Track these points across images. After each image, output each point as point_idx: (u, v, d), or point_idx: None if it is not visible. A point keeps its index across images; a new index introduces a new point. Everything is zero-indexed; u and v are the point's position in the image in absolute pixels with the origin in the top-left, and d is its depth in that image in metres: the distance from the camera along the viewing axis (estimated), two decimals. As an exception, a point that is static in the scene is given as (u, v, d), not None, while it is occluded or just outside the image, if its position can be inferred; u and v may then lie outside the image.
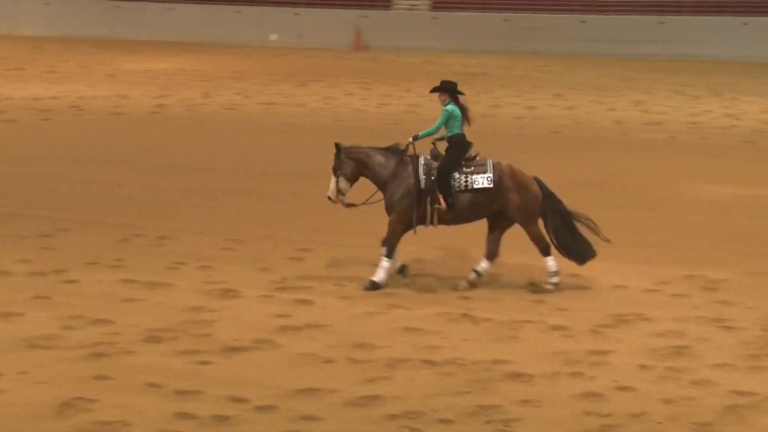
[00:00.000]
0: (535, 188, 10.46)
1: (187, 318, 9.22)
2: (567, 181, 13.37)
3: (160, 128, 19.55)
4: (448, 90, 10.51)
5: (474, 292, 10.15)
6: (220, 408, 7.41)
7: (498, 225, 10.45)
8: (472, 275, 10.42)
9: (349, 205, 10.54)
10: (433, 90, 10.64)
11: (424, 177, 10.30)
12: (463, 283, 10.39)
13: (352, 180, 10.50)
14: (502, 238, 10.45)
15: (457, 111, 10.44)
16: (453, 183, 10.31)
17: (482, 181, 10.29)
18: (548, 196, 10.46)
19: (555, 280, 10.39)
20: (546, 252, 10.40)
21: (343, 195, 10.50)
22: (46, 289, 9.87)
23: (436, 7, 37.80)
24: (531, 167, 10.81)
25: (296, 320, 9.23)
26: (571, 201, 10.61)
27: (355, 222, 12.26)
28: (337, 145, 10.58)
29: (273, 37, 37.29)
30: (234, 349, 8.46)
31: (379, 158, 10.47)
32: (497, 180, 10.33)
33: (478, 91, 23.30)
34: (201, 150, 17.43)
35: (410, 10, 38.07)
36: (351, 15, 37.48)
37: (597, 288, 10.38)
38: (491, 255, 10.43)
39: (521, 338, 9.01)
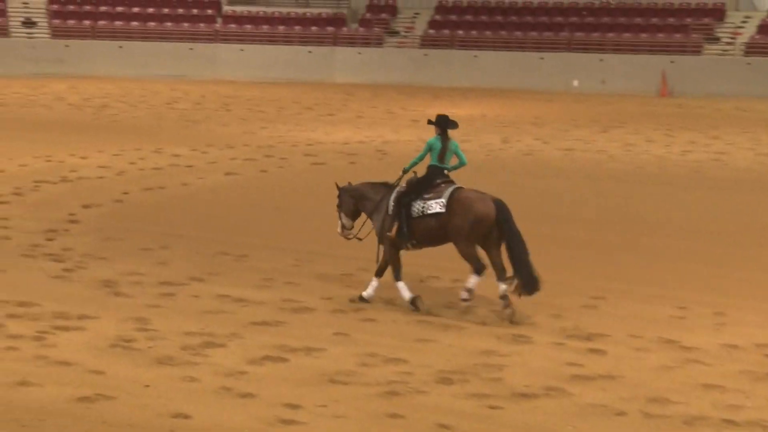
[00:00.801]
0: (479, 210, 10.59)
1: (478, 361, 9.20)
2: None
3: (457, 172, 19.67)
4: (437, 124, 11.01)
5: (779, 350, 9.81)
6: (509, 453, 7.40)
7: (488, 246, 10.65)
8: (503, 304, 10.51)
9: (359, 239, 11.30)
10: (429, 122, 11.24)
11: (392, 204, 10.93)
12: (466, 301, 10.56)
13: (353, 216, 11.34)
14: (500, 254, 10.60)
15: (437, 144, 10.96)
16: (412, 210, 10.85)
17: (436, 206, 10.76)
18: (505, 221, 10.55)
19: (465, 296, 10.61)
20: (478, 272, 10.57)
21: (349, 230, 11.32)
22: (346, 326, 10.11)
23: (750, 51, 36.44)
24: None
25: (588, 369, 9.03)
26: None
27: (650, 271, 12.01)
28: (336, 185, 11.47)
29: (575, 83, 37.41)
30: (524, 395, 8.38)
31: (367, 193, 11.25)
32: (448, 205, 10.71)
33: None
34: (497, 195, 17.11)
35: (722, 55, 36.94)
36: (658, 60, 37.11)
37: None
38: (500, 276, 10.55)
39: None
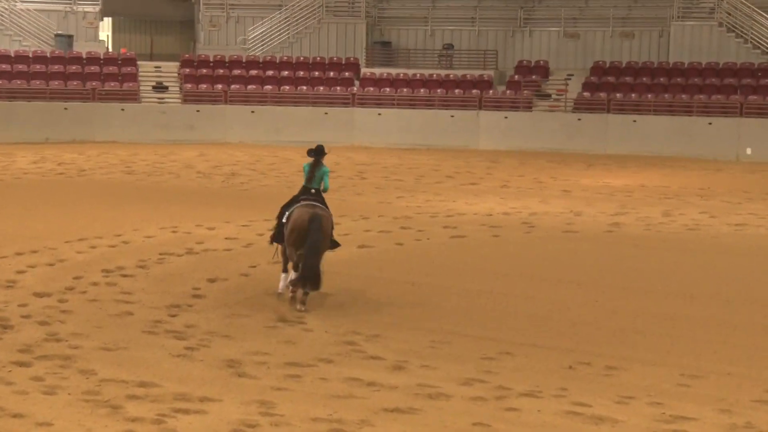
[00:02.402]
0: (295, 220, 14.05)
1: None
2: None
3: (614, 247, 19.51)
4: (309, 153, 14.66)
5: None
6: None
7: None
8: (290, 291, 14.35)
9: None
10: (308, 152, 14.72)
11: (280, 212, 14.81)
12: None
13: None
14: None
15: (306, 168, 14.71)
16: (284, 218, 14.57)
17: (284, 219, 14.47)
18: (312, 230, 13.82)
19: (281, 289, 14.64)
20: (284, 270, 14.67)
21: None
22: (486, 416, 9.97)
23: None
24: None
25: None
26: None
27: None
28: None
29: (748, 150, 36.94)
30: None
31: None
32: (288, 216, 14.36)
33: None
34: (657, 272, 17.16)
35: None
36: None
37: None
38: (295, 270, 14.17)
39: None
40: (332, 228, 14.45)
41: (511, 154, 37.56)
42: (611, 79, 42.06)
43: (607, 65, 43.20)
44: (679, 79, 41.22)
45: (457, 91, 42.08)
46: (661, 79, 41.51)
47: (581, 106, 40.82)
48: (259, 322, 13.46)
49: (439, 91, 42.11)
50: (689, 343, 12.85)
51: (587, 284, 15.95)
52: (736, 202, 26.15)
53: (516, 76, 42.96)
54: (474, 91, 41.88)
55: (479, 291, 15.34)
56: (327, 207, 14.45)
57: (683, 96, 40.16)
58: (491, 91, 42.04)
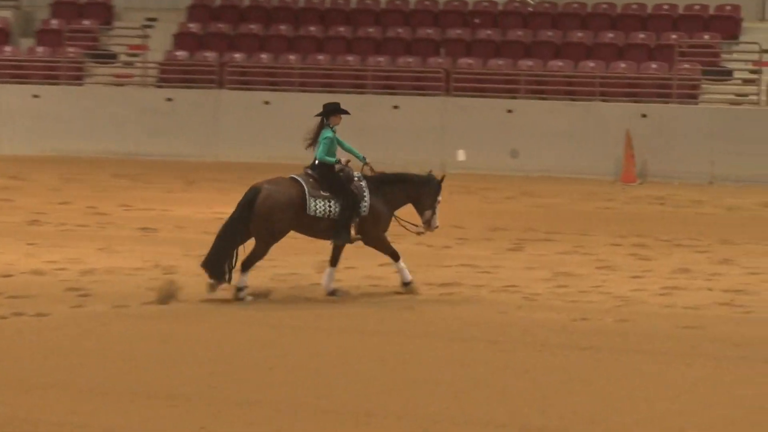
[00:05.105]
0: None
1: None
2: None
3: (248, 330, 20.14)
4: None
5: None
6: None
7: None
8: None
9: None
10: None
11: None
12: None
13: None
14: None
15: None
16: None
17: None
18: (238, 206, 19.02)
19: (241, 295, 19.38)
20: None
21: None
22: None
23: None
24: None
25: None
26: None
27: None
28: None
29: (461, 155, 39.20)
30: None
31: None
32: None
33: None
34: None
35: None
36: None
37: None
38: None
39: None
40: (294, 212, 18.73)
41: (48, 164, 37.81)
42: (223, 27, 41.46)
43: (217, 2, 42.75)
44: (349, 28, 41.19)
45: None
46: (312, 29, 41.69)
47: (172, 76, 40.54)
48: None
49: None
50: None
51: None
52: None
53: (53, 21, 42.30)
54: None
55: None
56: (324, 184, 18.72)
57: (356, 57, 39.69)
58: (7, 49, 41.51)
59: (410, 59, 40.84)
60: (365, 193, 18.77)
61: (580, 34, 42.02)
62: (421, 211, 19.36)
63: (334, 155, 18.66)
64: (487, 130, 39.18)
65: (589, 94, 39.42)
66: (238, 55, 41.89)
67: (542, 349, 17.80)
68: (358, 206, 18.74)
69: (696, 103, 38.94)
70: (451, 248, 26.18)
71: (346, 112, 18.93)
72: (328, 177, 18.42)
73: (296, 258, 23.95)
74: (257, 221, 18.33)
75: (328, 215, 18.63)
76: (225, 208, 28.70)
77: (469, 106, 39.43)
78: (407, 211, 20.44)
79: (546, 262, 23.16)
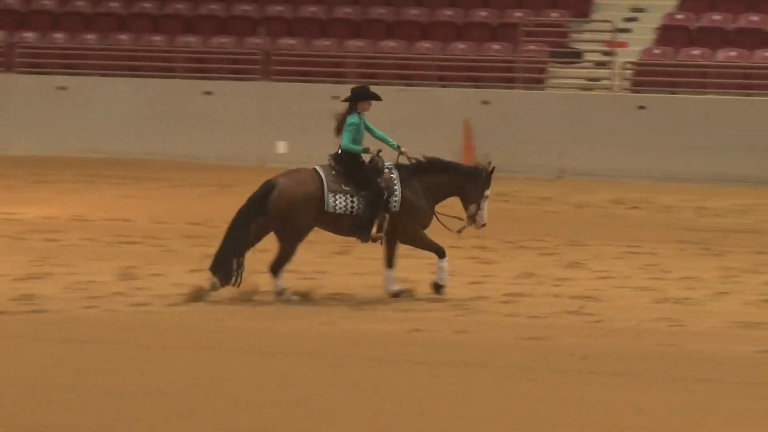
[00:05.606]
0: None
1: None
2: None
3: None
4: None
5: None
6: None
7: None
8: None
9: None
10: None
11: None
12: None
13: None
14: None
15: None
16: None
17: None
18: (248, 201, 19.15)
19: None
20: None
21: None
22: None
23: None
24: None
25: None
26: None
27: None
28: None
29: (281, 147, 39.52)
30: None
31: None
32: None
33: None
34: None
35: None
36: None
37: None
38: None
39: None
40: (310, 211, 18.92)
41: None
42: (13, 2, 42.41)
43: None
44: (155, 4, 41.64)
45: None
46: (114, 4, 42.05)
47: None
48: None
49: None
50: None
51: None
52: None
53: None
54: None
55: None
56: (347, 177, 18.95)
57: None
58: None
59: (224, 39, 40.52)
60: (396, 187, 18.66)
61: (414, 12, 41.64)
62: (466, 205, 19.31)
63: (360, 143, 18.59)
64: (311, 118, 37.59)
65: (424, 78, 39.46)
66: (29, 35, 41.68)
67: (371, 365, 17.63)
68: (386, 201, 18.64)
69: (543, 89, 38.97)
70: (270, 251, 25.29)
71: (377, 98, 18.62)
72: (352, 168, 18.39)
73: (96, 264, 23.71)
74: (275, 223, 18.47)
75: (351, 211, 18.59)
76: (13, 208, 29.62)
77: (291, 92, 39.29)
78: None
79: (375, 267, 22.20)
